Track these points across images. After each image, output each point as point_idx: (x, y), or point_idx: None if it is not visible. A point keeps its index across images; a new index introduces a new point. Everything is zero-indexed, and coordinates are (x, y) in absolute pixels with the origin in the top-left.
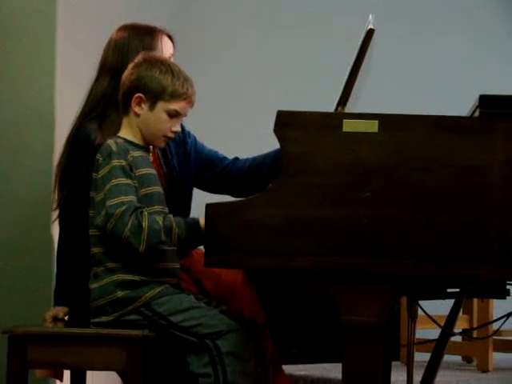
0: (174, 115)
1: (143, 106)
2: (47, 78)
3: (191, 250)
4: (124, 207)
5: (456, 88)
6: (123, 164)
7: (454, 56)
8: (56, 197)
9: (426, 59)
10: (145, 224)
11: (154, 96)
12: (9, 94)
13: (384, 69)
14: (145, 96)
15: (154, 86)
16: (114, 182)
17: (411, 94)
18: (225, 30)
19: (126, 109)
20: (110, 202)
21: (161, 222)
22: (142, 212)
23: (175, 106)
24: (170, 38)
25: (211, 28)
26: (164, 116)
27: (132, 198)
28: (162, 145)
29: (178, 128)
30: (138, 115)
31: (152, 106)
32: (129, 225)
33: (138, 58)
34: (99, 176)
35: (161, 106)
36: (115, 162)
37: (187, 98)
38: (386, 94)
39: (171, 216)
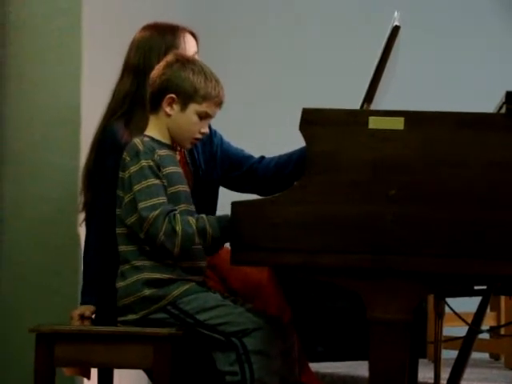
0: (204, 117)
1: (174, 106)
2: (73, 77)
3: (221, 247)
4: (157, 211)
5: (483, 84)
6: (151, 164)
7: (481, 52)
8: (83, 199)
9: (452, 56)
10: (178, 228)
11: (187, 97)
12: (35, 93)
13: (410, 66)
14: (177, 97)
15: (186, 87)
16: (144, 183)
17: (437, 90)
18: (249, 28)
19: (155, 108)
20: (142, 205)
21: (194, 226)
22: (175, 215)
23: (206, 108)
24: (193, 35)
25: (236, 25)
26: (195, 118)
27: (163, 199)
28: (190, 146)
29: (206, 130)
30: (168, 115)
31: (183, 107)
32: (163, 229)
33: (171, 58)
34: (127, 176)
35: (192, 107)
36: (144, 163)
37: (218, 100)
38: (412, 90)
39: (204, 216)
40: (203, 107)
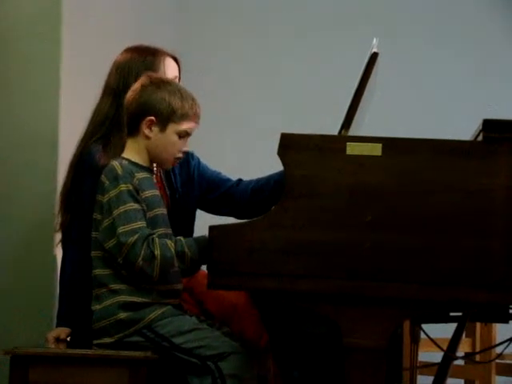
0: (183, 136)
1: (153, 128)
2: (51, 99)
3: (199, 269)
4: (136, 236)
5: (460, 112)
6: (130, 188)
7: (458, 79)
8: (60, 219)
9: (430, 83)
10: (157, 253)
11: (165, 118)
12: (12, 115)
13: (388, 92)
14: (156, 119)
15: (164, 108)
16: (123, 208)
17: (415, 117)
18: (227, 54)
19: (133, 131)
20: (121, 230)
21: (173, 249)
22: (153, 239)
23: (185, 126)
24: (175, 59)
25: (213, 50)
26: (174, 137)
27: (142, 223)
28: (171, 166)
29: (186, 147)
30: (148, 138)
31: (163, 129)
32: (141, 255)
33: (144, 80)
34: (105, 200)
35: (172, 128)
36: (123, 187)
37: (196, 118)
38: (390, 117)
39: (182, 239)
40: (182, 126)
